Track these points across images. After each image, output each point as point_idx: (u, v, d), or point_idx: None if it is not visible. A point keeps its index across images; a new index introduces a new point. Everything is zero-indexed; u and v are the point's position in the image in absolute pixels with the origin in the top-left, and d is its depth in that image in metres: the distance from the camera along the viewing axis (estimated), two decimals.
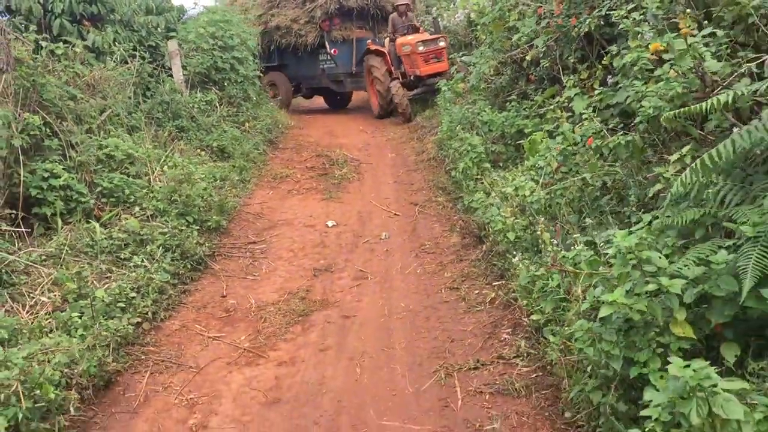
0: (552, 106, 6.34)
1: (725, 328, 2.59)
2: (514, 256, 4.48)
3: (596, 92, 4.77)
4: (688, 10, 4.21)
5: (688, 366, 2.02)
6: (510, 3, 8.46)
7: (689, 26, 4.20)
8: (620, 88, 4.45)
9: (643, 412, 2.12)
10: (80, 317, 4.39)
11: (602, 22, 5.65)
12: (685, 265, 2.57)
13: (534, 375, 3.87)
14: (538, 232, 4.08)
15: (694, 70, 3.34)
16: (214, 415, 3.90)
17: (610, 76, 5.59)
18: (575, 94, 5.79)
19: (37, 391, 3.24)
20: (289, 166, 10.13)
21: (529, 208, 4.89)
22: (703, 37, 3.59)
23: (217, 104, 11.11)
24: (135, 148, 7.40)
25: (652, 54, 3.81)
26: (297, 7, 15.05)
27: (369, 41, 14.37)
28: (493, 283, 5.18)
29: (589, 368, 3.06)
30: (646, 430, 2.09)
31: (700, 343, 2.64)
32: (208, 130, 10.04)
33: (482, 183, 6.40)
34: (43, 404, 3.27)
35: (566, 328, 3.33)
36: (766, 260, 2.40)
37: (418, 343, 4.59)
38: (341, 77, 15.28)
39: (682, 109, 2.95)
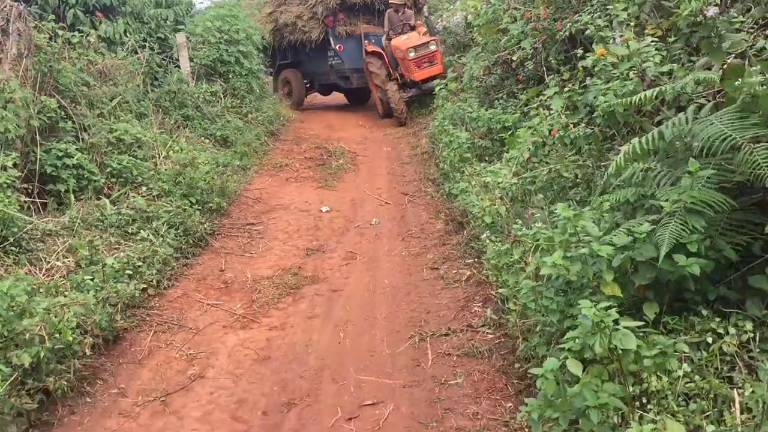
0: (535, 104, 6.80)
1: (647, 290, 3.05)
2: (485, 236, 4.94)
3: (566, 91, 5.21)
4: (650, 19, 4.66)
5: (594, 306, 2.47)
6: (503, 6, 8.93)
7: (654, 33, 4.67)
8: (586, 87, 4.90)
9: (561, 345, 2.58)
10: (92, 280, 4.84)
11: (584, 26, 6.08)
12: (615, 235, 3.03)
13: (497, 341, 4.33)
14: (503, 212, 4.54)
15: (636, 72, 3.80)
16: (210, 368, 4.36)
17: (589, 77, 6.05)
18: (554, 93, 6.23)
19: (57, 335, 3.69)
20: (288, 156, 10.60)
21: (504, 195, 5.34)
22: (654, 42, 4.04)
23: (222, 96, 11.56)
24: (143, 133, 7.85)
25: (600, 57, 4.27)
26: (301, 3, 14.97)
27: (366, 42, 14.17)
28: (470, 265, 5.64)
29: (537, 328, 3.52)
30: (561, 357, 2.55)
31: (630, 302, 3.10)
32: (213, 120, 10.48)
33: (466, 174, 6.84)
34: (61, 346, 3.73)
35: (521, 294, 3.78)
36: (681, 231, 2.85)
37: (398, 314, 5.04)
38: (347, 73, 15.06)
39: (618, 101, 3.40)
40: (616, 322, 2.46)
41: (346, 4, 14.42)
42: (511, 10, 8.56)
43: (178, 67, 11.12)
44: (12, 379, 3.35)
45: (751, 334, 2.81)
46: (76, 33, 7.96)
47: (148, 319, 5.02)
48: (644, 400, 2.63)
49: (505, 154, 6.37)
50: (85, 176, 6.63)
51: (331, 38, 14.61)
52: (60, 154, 6.49)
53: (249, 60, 12.76)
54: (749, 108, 2.94)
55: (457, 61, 11.36)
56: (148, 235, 6.04)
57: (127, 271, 5.23)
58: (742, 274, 3.05)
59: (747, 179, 2.91)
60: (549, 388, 2.51)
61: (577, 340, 2.49)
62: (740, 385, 2.69)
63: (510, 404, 3.64)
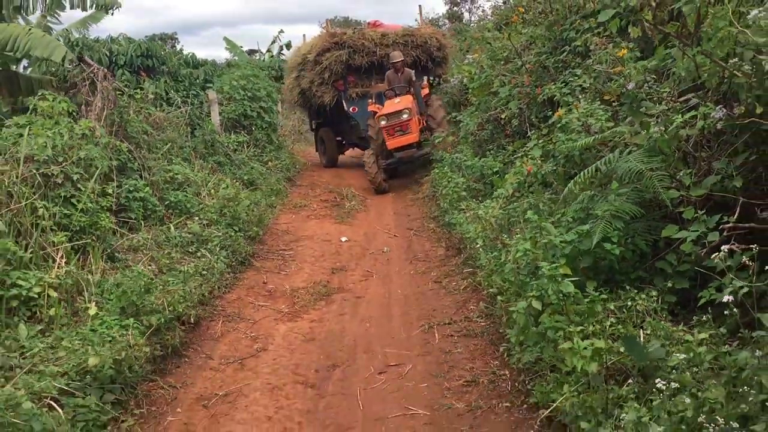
0: (520, 154, 8.34)
1: (589, 271, 4.51)
2: (479, 246, 6.41)
3: (539, 142, 6.76)
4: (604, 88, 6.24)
5: (549, 266, 3.94)
6: (494, 73, 10.61)
7: (609, 98, 6.25)
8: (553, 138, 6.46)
9: (528, 295, 4.04)
10: (173, 282, 6.25)
11: (552, 93, 7.69)
12: (567, 234, 4.51)
13: (488, 325, 5.74)
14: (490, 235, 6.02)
15: (581, 126, 5.35)
16: (270, 345, 5.76)
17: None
18: (534, 145, 7.79)
19: (170, 308, 5.11)
20: (306, 198, 12.11)
21: (492, 223, 6.83)
22: (601, 105, 5.61)
23: (246, 145, 13.15)
24: (191, 174, 9.37)
25: (559, 118, 5.84)
26: (311, 69, 14.83)
27: (370, 101, 13.82)
28: (467, 278, 7.08)
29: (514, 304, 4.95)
30: (527, 300, 4.01)
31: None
32: (239, 166, 12.03)
33: (462, 210, 8.34)
34: (172, 317, 5.14)
35: (503, 282, 5.22)
36: (606, 228, 4.32)
37: (410, 312, 6.46)
38: (363, 134, 14.36)
39: (567, 146, 4.93)
40: (562, 277, 3.92)
41: (353, 67, 14.44)
42: (500, 76, 10.23)
43: (209, 117, 12.72)
44: (147, 334, 4.75)
45: (655, 298, 4.25)
46: (139, 90, 9.55)
47: (215, 313, 6.42)
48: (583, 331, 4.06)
49: (494, 193, 7.87)
50: (150, 207, 8.07)
51: (343, 101, 14.62)
52: (131, 188, 7.96)
53: (269, 115, 14.42)
54: (654, 149, 4.47)
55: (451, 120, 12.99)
56: (205, 254, 7.46)
57: (196, 277, 6.64)
58: (652, 261, 4.52)
59: (654, 197, 4.41)
60: (521, 320, 3.95)
61: (538, 287, 3.94)
62: (647, 328, 4.11)
63: (496, 362, 5.04)
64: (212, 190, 9.47)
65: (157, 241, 7.42)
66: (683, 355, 3.08)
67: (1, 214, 5.32)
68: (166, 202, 8.45)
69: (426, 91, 14.18)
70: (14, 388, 3.48)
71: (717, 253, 3.19)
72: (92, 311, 4.88)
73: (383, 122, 12.28)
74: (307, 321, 6.36)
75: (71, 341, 4.27)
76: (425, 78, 15.29)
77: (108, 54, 12.08)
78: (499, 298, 5.52)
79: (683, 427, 2.72)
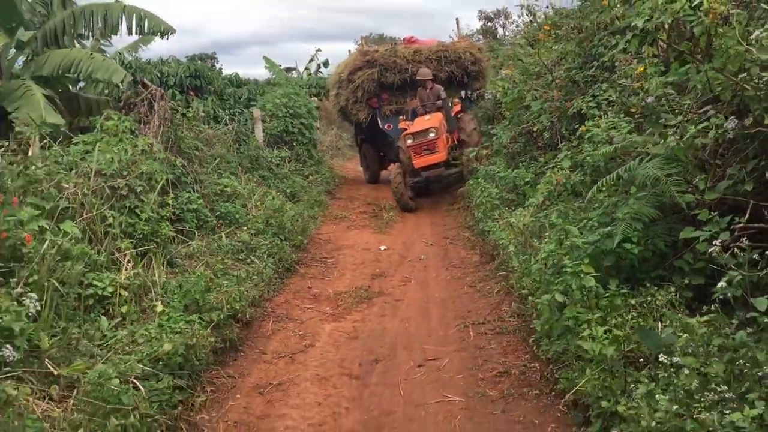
0: (551, 165, 8.73)
1: (611, 270, 4.89)
2: (510, 251, 6.81)
3: (568, 153, 7.15)
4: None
5: (572, 263, 4.33)
6: (526, 87, 11.02)
7: (635, 111, 6.62)
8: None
9: (553, 288, 4.44)
10: (228, 284, 6.78)
11: (579, 108, 8.07)
12: (591, 234, 4.91)
13: (519, 324, 6.13)
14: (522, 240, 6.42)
15: (606, 138, 5.74)
16: (317, 342, 6.24)
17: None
18: (564, 156, 8.17)
19: (228, 306, 5.63)
20: (345, 210, 12.64)
21: (524, 230, 7.23)
22: (625, 117, 5.99)
23: (288, 160, 13.75)
24: (238, 187, 9.96)
25: (585, 131, 6.23)
26: (346, 88, 14.98)
27: (401, 118, 13.94)
28: (500, 282, 7.47)
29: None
30: (551, 293, 4.41)
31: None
32: (282, 179, 12.61)
33: (495, 219, 8.74)
34: (229, 314, 5.65)
35: (533, 283, 5.62)
36: (627, 230, 4.71)
37: (446, 313, 6.88)
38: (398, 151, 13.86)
39: (591, 155, 5.33)
40: (584, 273, 4.32)
41: (386, 85, 14.48)
42: (532, 90, 10.64)
43: (253, 134, 13.36)
44: (209, 328, 5.28)
45: (673, 294, 4.61)
46: (190, 108, 10.19)
47: (266, 313, 6.94)
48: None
49: (526, 202, 8.27)
50: (202, 217, 8.65)
51: (378, 119, 14.67)
52: (185, 200, 8.55)
53: (309, 131, 15.03)
54: (671, 158, 4.85)
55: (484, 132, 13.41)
56: (255, 260, 8.00)
57: (248, 281, 7.17)
58: (671, 260, 4.88)
59: (673, 202, 4.78)
60: (545, 311, 4.36)
61: (561, 282, 4.35)
62: (665, 321, 4.48)
63: (527, 356, 5.44)
64: (258, 202, 10.04)
65: (210, 249, 7.96)
66: (686, 335, 3.45)
67: (77, 222, 5.90)
68: (217, 213, 9.02)
69: (457, 108, 14.20)
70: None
71: (714, 247, 3.56)
72: (159, 308, 5.42)
73: (409, 141, 12.26)
74: (350, 321, 6.82)
75: (147, 330, 4.80)
76: (462, 92, 15.13)
77: (159, 75, 12.83)
78: (529, 298, 5.91)
79: (687, 399, 3.10)
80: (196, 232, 8.38)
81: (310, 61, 28.60)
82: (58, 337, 4.38)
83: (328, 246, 9.97)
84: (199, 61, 22.32)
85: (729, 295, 3.39)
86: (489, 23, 44.45)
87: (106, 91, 12.83)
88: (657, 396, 3.22)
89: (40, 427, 3.44)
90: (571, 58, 9.99)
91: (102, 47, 13.39)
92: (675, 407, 3.05)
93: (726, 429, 2.69)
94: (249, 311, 6.44)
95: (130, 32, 10.81)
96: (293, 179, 12.89)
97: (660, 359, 3.36)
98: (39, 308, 4.18)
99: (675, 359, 3.31)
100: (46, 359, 4.08)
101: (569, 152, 7.69)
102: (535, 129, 9.90)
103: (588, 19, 9.64)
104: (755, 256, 3.71)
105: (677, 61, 5.04)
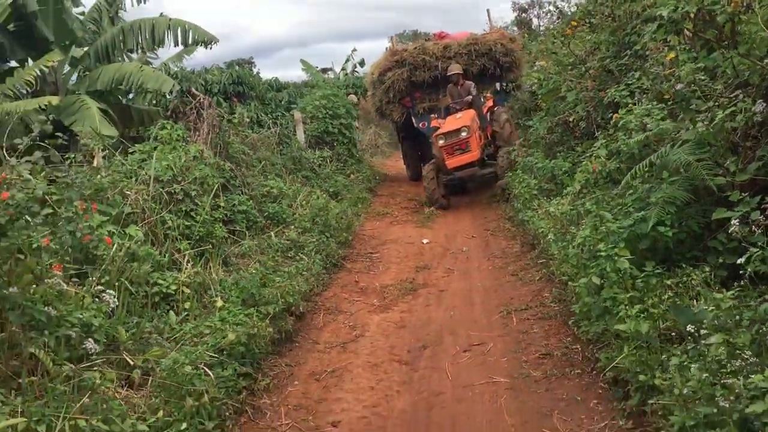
0: (588, 154, 8.88)
1: (647, 252, 5.09)
2: (549, 239, 7.02)
3: (604, 141, 7.31)
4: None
5: (606, 246, 4.56)
6: (561, 79, 11.16)
7: (668, 97, 6.76)
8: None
9: (589, 272, 4.66)
10: (281, 280, 7.14)
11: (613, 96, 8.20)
12: (626, 219, 5.11)
13: (560, 309, 6.35)
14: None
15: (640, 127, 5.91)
16: (366, 332, 6.56)
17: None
18: (600, 145, 8.32)
19: (282, 300, 5.99)
20: (387, 206, 12.95)
21: (562, 218, 7.43)
22: (657, 105, 6.15)
23: (329, 160, 14.13)
24: (284, 187, 10.35)
25: (618, 119, 6.40)
26: (378, 88, 15.04)
27: (433, 116, 13.93)
28: (540, 269, 7.69)
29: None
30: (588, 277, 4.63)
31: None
32: (325, 179, 12.98)
33: (535, 209, 8.94)
34: (284, 307, 6.01)
35: (571, 267, 5.83)
36: (660, 213, 4.90)
37: (489, 301, 7.13)
38: None
39: (625, 143, 5.52)
40: (618, 256, 4.54)
41: (417, 84, 14.40)
42: (567, 81, 10.78)
43: (295, 136, 13.77)
44: (267, 321, 5.65)
45: (708, 272, 4.79)
46: (236, 115, 10.63)
47: (316, 307, 7.29)
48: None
49: (564, 191, 8.45)
50: (251, 218, 9.05)
51: (413, 118, 14.64)
52: (235, 202, 8.96)
53: (349, 131, 15.39)
54: (702, 142, 5.02)
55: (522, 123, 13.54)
56: (303, 257, 8.36)
57: (299, 276, 7.52)
58: (705, 241, 5.06)
59: (705, 185, 4.96)
60: (582, 293, 4.59)
61: (596, 266, 4.57)
62: (700, 299, 4.66)
63: (569, 338, 5.66)
64: (303, 202, 10.42)
65: (261, 248, 8.36)
66: (713, 308, 3.66)
67: (140, 225, 6.33)
68: (265, 214, 9.42)
69: (489, 103, 14.01)
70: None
71: (734, 226, 3.76)
72: (219, 304, 5.80)
73: (441, 141, 12.13)
74: (398, 312, 7.13)
75: (212, 323, 5.19)
76: (497, 84, 14.86)
77: (203, 83, 13.34)
78: (569, 283, 6.13)
79: (715, 365, 3.32)
80: (246, 232, 8.79)
81: (346, 62, 28.96)
82: (132, 331, 4.78)
83: (372, 241, 10.30)
84: (238, 67, 22.97)
85: (750, 270, 3.58)
86: (523, 14, 44.33)
87: (154, 102, 13.37)
88: (689, 367, 3.44)
89: (123, 410, 3.82)
90: (604, 47, 10.11)
91: (148, 59, 13.94)
92: (705, 375, 3.26)
93: (750, 391, 2.90)
94: (301, 305, 6.80)
95: (176, 44, 11.34)
96: (335, 178, 13.26)
97: (689, 331, 3.57)
98: (117, 304, 4.59)
99: (704, 331, 3.51)
100: (124, 351, 4.47)
101: (605, 141, 7.84)
102: (571, 119, 10.05)
103: (620, 8, 9.77)
104: None
105: (704, 48, 5.19)
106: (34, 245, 3.78)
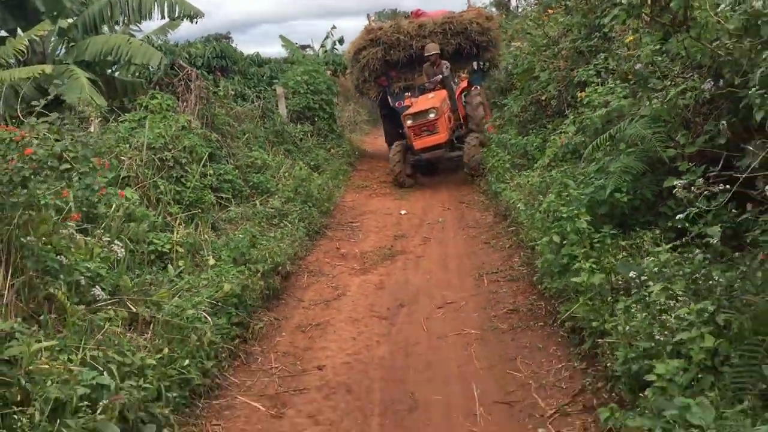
0: (558, 131, 9.39)
1: (605, 218, 5.60)
2: (519, 207, 7.54)
3: (572, 119, 7.82)
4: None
5: (567, 209, 5.06)
6: (535, 59, 11.64)
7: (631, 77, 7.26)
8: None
9: (551, 231, 5.18)
10: (268, 243, 7.56)
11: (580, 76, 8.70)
12: (585, 187, 5.61)
13: (528, 272, 6.87)
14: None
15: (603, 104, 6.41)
16: (348, 291, 7.03)
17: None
18: (570, 121, 8.83)
19: (271, 259, 6.43)
20: (367, 180, 13.40)
21: (532, 189, 7.94)
22: (609, 88, 6.66)
23: (310, 134, 14.49)
24: (268, 159, 10.73)
25: (583, 97, 6.90)
26: (354, 67, 14.95)
27: (407, 95, 13.60)
28: (511, 237, 8.20)
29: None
30: (549, 235, 5.14)
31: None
32: (306, 152, 13.36)
33: (507, 181, 9.45)
34: (272, 266, 6.45)
35: (537, 231, 6.34)
36: (617, 182, 5.40)
37: (463, 266, 7.63)
38: None
39: (590, 117, 6.03)
40: (577, 216, 5.05)
41: (392, 63, 14.25)
42: (540, 62, 11.26)
43: (276, 111, 14.10)
44: (258, 276, 6.09)
45: (658, 234, 5.31)
46: (220, 87, 10.95)
47: (301, 269, 7.75)
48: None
49: (534, 165, 8.96)
50: (237, 187, 9.44)
51: (389, 97, 14.55)
52: (221, 172, 9.32)
53: (329, 106, 15.74)
54: (657, 118, 5.53)
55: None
56: (287, 224, 8.77)
57: (283, 242, 7.95)
58: (656, 208, 5.58)
59: (659, 157, 5.47)
60: (545, 251, 5.10)
61: (557, 226, 5.08)
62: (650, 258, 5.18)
63: (534, 296, 6.19)
64: (286, 173, 10.81)
65: (247, 215, 8.75)
66: (654, 262, 4.18)
67: (135, 189, 6.71)
68: (250, 183, 9.81)
69: (464, 84, 13.84)
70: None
71: (678, 188, 4.27)
72: (211, 262, 6.22)
73: (409, 122, 12.05)
74: (377, 275, 7.61)
75: (208, 276, 5.62)
76: (474, 63, 14.66)
77: (187, 56, 13.58)
78: (536, 248, 6.64)
79: (654, 308, 3.84)
80: (232, 200, 9.18)
81: (325, 39, 29.05)
82: (135, 281, 5.19)
83: (352, 212, 10.75)
84: (216, 42, 23.06)
85: (694, 232, 4.10)
86: None
87: (137, 74, 13.60)
88: (632, 309, 3.96)
89: (132, 348, 4.25)
90: (576, 29, 10.59)
91: (131, 32, 14.13)
92: (645, 315, 3.78)
93: (678, 322, 3.42)
94: (288, 264, 7.24)
95: (162, 17, 11.57)
96: (316, 152, 13.64)
97: (635, 281, 4.09)
98: (124, 254, 5.00)
99: (645, 278, 4.04)
100: (127, 299, 4.89)
101: (574, 117, 8.35)
102: (543, 98, 10.54)
103: None
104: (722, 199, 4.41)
105: (660, 32, 5.68)
106: (49, 198, 4.17)
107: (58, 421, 3.10)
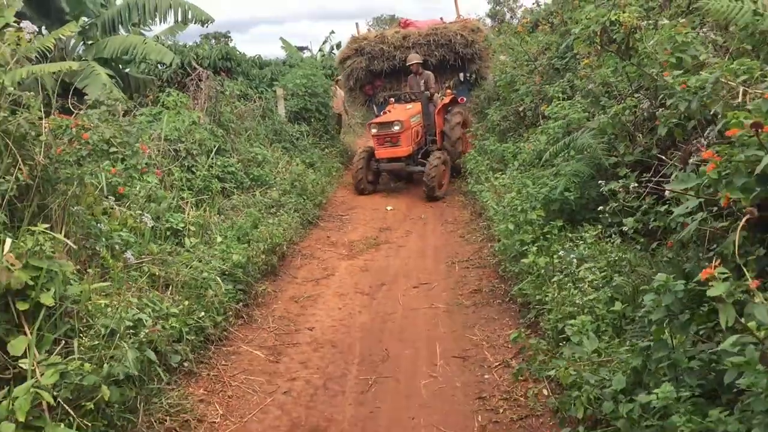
0: (531, 140, 10.40)
1: (557, 212, 6.61)
2: (489, 203, 8.54)
3: (543, 128, 8.84)
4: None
5: (521, 203, 6.06)
6: (516, 73, 12.68)
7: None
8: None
9: (508, 220, 6.17)
10: (266, 228, 8.52)
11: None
12: (541, 186, 6.62)
13: (495, 261, 7.86)
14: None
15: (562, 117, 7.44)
16: (336, 272, 8.01)
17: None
18: (541, 131, 9.85)
19: (271, 239, 7.40)
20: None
21: (503, 190, 8.94)
22: (571, 103, 7.67)
23: (306, 134, 15.45)
24: (267, 154, 11.70)
25: (546, 110, 7.92)
26: (342, 77, 15.44)
27: (391, 100, 13.65)
28: (483, 232, 9.20)
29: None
30: (507, 222, 6.13)
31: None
32: (302, 151, 14.33)
33: (483, 183, 10.46)
34: (271, 246, 7.43)
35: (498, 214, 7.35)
36: (567, 183, 6.41)
37: (439, 255, 8.63)
38: None
39: (552, 127, 7.03)
40: (531, 209, 6.05)
41: (376, 72, 14.53)
42: (520, 76, 12.30)
43: (275, 111, 15.06)
44: (260, 251, 7.06)
45: (600, 230, 6.31)
46: (225, 87, 11.91)
47: (294, 253, 8.72)
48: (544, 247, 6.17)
49: (508, 169, 9.97)
50: (239, 179, 10.40)
51: (374, 106, 14.81)
52: (225, 164, 10.29)
53: (325, 108, 16.72)
54: (603, 130, 6.55)
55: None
56: (284, 214, 9.74)
57: (279, 228, 8.91)
58: (600, 206, 6.59)
59: (602, 163, 6.48)
60: (502, 236, 6.11)
61: (513, 216, 6.09)
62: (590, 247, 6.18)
63: (497, 280, 7.18)
64: (283, 168, 11.78)
65: (247, 203, 9.72)
66: (584, 246, 5.19)
67: (154, 174, 7.67)
68: (251, 176, 10.76)
69: (446, 100, 13.57)
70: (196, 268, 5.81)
71: (609, 185, 5.27)
72: (218, 239, 7.19)
73: (374, 130, 12.22)
74: (362, 260, 8.59)
75: (218, 249, 6.59)
76: (461, 75, 14.94)
77: (195, 57, 14.53)
78: (503, 240, 7.64)
79: (580, 282, 4.84)
80: (235, 190, 10.14)
81: (324, 43, 30.13)
82: (159, 248, 6.15)
83: (342, 206, 11.74)
84: (214, 41, 24.00)
85: (610, 219, 5.12)
86: (497, 6, 45.77)
87: (147, 71, 14.53)
88: (564, 283, 4.97)
89: (156, 298, 5.21)
90: (554, 47, 11.64)
91: (142, 32, 15.07)
92: (570, 285, 4.79)
93: (591, 289, 4.43)
94: (284, 246, 8.22)
95: (176, 21, 12.50)
96: (312, 151, 14.61)
97: (569, 260, 5.10)
98: (152, 224, 5.96)
99: (572, 256, 5.05)
100: (152, 263, 5.84)
101: (543, 128, 9.38)
102: (521, 109, 11.58)
103: (569, 14, 11.28)
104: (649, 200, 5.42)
105: (610, 59, 6.71)
106: (102, 174, 5.13)
107: (113, 344, 4.06)
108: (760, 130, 2.77)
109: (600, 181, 6.45)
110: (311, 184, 11.17)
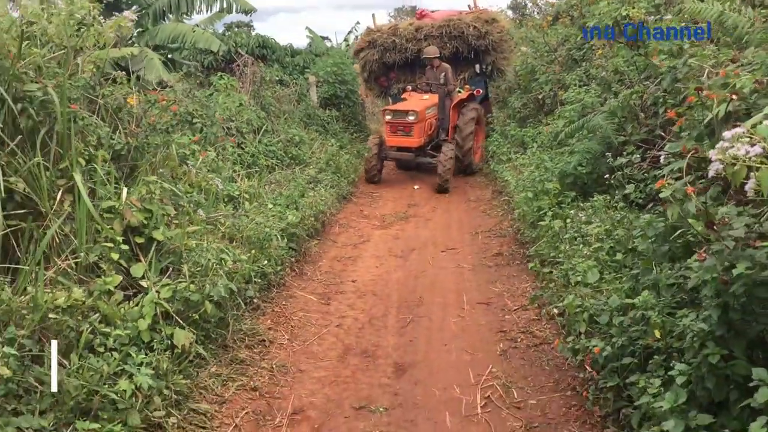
0: (549, 124, 11.25)
1: (571, 185, 7.47)
2: (509, 181, 9.42)
3: (561, 113, 9.69)
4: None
5: (539, 178, 6.92)
6: (536, 63, 13.51)
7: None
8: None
9: (527, 191, 7.06)
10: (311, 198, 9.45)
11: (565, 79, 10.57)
12: (558, 162, 7.49)
13: (514, 231, 8.75)
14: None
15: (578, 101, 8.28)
16: (371, 239, 8.94)
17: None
18: (558, 116, 10.70)
19: (312, 208, 8.35)
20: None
21: (521, 168, 9.82)
22: (586, 89, 8.50)
23: (336, 119, 16.37)
24: (304, 136, 12.65)
25: (564, 96, 8.75)
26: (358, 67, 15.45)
27: (408, 88, 13.83)
28: (504, 207, 10.09)
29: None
30: (526, 192, 7.02)
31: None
32: (333, 134, 15.25)
33: (504, 162, 11.33)
34: (315, 213, 8.37)
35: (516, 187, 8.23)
36: (580, 159, 7.27)
37: (463, 226, 9.53)
38: None
39: (568, 110, 7.87)
40: (548, 180, 6.93)
41: (387, 65, 14.45)
42: (540, 66, 13.14)
43: (308, 96, 15.99)
44: (309, 214, 8.02)
45: (609, 199, 7.17)
46: (267, 73, 12.85)
47: (332, 222, 9.67)
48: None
49: (528, 151, 10.84)
50: (279, 157, 11.35)
51: (389, 97, 14.87)
52: (267, 143, 11.24)
53: (354, 95, 17.62)
54: (614, 113, 7.40)
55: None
56: (321, 189, 10.67)
57: (320, 200, 9.84)
58: (610, 180, 7.46)
59: (610, 142, 7.33)
60: (521, 203, 7.00)
61: (532, 187, 6.97)
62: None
63: (516, 246, 8.07)
64: (318, 149, 12.72)
65: (288, 179, 10.67)
66: (590, 205, 6.07)
67: (213, 149, 8.63)
68: (289, 154, 11.71)
69: (464, 95, 13.26)
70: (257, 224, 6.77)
71: (616, 162, 6.14)
72: (270, 205, 8.13)
73: (388, 117, 12.27)
74: (394, 230, 9.52)
75: (274, 210, 7.56)
76: (477, 67, 14.26)
77: (234, 45, 15.48)
78: (522, 207, 8.53)
79: (590, 240, 5.73)
80: (276, 167, 11.09)
81: (348, 33, 30.96)
82: (224, 209, 7.11)
83: (371, 185, 12.66)
84: (237, 29, 24.91)
85: (614, 183, 5.99)
86: None
87: (190, 57, 15.51)
88: (575, 241, 5.85)
89: (222, 248, 6.15)
90: (573, 39, 12.47)
91: (184, 21, 16.05)
92: (579, 239, 5.68)
93: (595, 241, 5.32)
94: (327, 214, 9.17)
95: (221, 11, 13.44)
96: (342, 135, 15.54)
97: (580, 221, 5.99)
98: (222, 187, 6.93)
99: (581, 215, 5.93)
100: (220, 220, 6.80)
101: (560, 113, 10.23)
102: (540, 96, 12.42)
103: (587, 7, 12.09)
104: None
105: (622, 50, 7.56)
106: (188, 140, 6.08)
107: (206, 277, 5.01)
108: (700, 93, 3.69)
109: (609, 158, 7.36)
110: (344, 164, 12.09)
